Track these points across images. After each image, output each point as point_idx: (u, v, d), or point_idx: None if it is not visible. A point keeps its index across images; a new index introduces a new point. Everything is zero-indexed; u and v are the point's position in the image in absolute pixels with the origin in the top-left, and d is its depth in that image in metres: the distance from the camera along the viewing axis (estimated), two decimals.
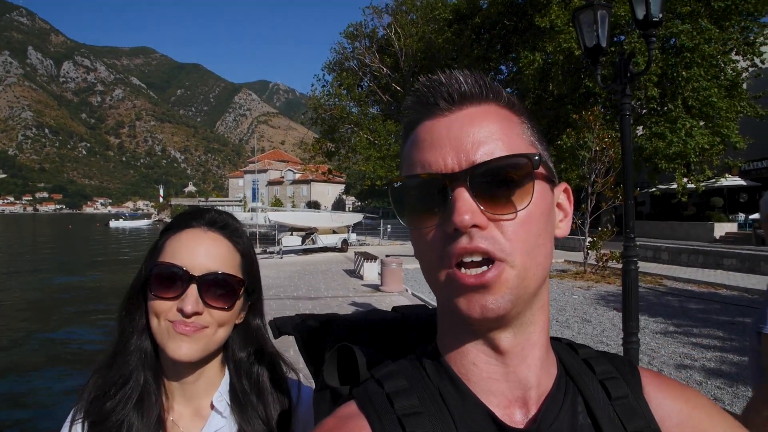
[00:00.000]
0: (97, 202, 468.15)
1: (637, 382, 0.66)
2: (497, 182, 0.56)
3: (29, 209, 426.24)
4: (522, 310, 0.58)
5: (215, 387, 1.09)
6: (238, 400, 1.07)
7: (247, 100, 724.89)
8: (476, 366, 0.60)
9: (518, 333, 0.59)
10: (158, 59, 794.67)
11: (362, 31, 40.78)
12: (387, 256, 16.07)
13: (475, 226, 0.55)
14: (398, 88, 38.50)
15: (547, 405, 0.60)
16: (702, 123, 22.01)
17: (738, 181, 25.68)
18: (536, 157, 0.57)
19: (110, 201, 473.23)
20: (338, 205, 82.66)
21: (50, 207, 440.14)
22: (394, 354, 0.68)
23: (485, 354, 0.60)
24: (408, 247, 29.12)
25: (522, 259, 0.56)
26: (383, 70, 38.92)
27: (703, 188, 23.85)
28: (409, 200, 0.60)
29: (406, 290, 13.41)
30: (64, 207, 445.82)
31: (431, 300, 10.61)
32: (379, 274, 14.29)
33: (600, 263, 15.14)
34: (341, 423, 0.58)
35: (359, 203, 79.15)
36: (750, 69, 22.80)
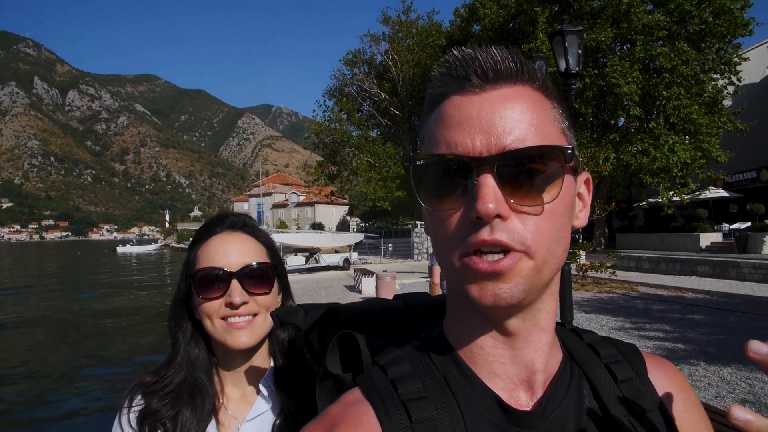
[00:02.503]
0: (103, 228, 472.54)
1: (642, 365, 0.67)
2: (526, 172, 0.53)
3: (35, 237, 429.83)
4: (534, 298, 0.56)
5: (262, 373, 1.18)
6: (282, 382, 1.14)
7: (250, 124, 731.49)
8: (483, 350, 0.59)
9: (527, 318, 0.58)
10: (162, 86, 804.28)
11: (361, 58, 42.31)
12: (384, 271, 17.30)
13: (498, 216, 0.52)
14: (396, 111, 39.93)
15: (553, 388, 0.59)
16: (687, 138, 23.19)
17: (722, 193, 26.63)
18: (569, 151, 0.54)
19: (116, 227, 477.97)
20: (342, 227, 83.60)
21: (56, 234, 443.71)
22: (396, 341, 0.67)
23: (492, 338, 0.58)
24: (406, 264, 30.22)
25: (542, 253, 0.53)
26: (382, 95, 40.33)
27: (688, 201, 24.98)
28: (430, 180, 0.56)
29: None
30: (70, 234, 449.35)
31: None
32: (376, 287, 15.34)
33: (580, 273, 16.29)
34: (346, 409, 0.57)
35: (363, 224, 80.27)
36: (729, 86, 24.04)
